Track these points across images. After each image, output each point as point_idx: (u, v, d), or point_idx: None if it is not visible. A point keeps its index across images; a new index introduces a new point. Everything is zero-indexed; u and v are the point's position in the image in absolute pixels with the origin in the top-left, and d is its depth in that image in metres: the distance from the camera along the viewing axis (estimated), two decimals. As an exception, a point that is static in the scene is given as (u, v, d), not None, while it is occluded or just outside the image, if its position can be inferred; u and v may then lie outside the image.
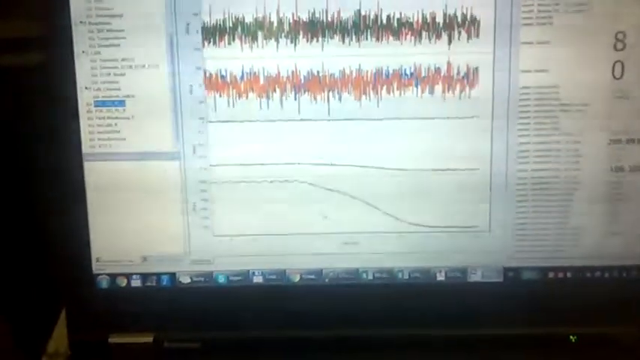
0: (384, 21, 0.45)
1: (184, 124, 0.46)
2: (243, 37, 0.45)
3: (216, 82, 0.46)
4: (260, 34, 0.45)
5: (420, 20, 0.45)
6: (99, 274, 0.48)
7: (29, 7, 0.50)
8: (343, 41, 0.45)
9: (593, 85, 0.45)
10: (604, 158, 0.46)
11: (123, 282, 0.48)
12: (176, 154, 0.46)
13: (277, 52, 0.45)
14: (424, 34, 0.45)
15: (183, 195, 0.47)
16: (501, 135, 0.46)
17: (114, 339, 0.47)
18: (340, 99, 0.46)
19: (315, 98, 0.46)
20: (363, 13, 0.45)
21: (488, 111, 0.46)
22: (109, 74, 0.45)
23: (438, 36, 0.45)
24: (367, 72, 0.45)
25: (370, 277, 0.48)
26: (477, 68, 0.45)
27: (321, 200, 0.47)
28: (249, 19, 0.45)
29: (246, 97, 0.46)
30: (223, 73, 0.45)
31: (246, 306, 0.48)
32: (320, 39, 0.45)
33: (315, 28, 0.45)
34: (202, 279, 0.48)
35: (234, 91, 0.46)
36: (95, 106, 0.46)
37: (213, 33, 0.45)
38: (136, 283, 0.48)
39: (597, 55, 0.45)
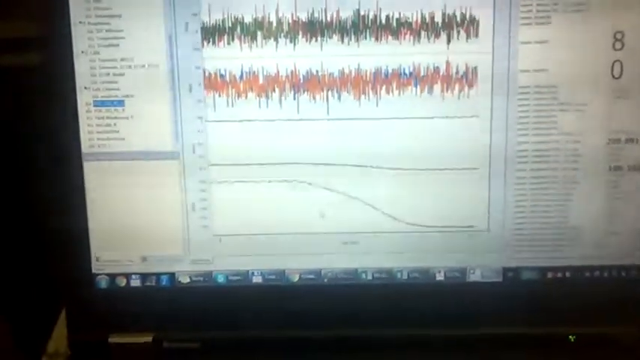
0: (383, 21, 0.45)
1: (184, 123, 0.46)
2: (242, 36, 0.45)
3: (215, 82, 0.46)
4: (259, 33, 0.45)
5: (419, 20, 0.45)
6: (98, 274, 0.48)
7: (29, 7, 0.50)
8: (342, 41, 0.45)
9: (592, 85, 0.45)
10: (603, 158, 0.46)
11: (122, 282, 0.48)
12: (175, 154, 0.46)
13: (276, 51, 0.45)
14: (423, 33, 0.45)
15: (182, 195, 0.47)
16: (500, 135, 0.46)
17: (113, 339, 0.47)
18: (339, 99, 0.46)
19: (314, 98, 0.46)
20: (362, 12, 0.45)
21: (487, 111, 0.46)
22: (108, 74, 0.45)
23: (437, 36, 0.45)
24: (366, 72, 0.45)
25: (369, 277, 0.48)
26: (475, 68, 0.45)
27: (320, 200, 0.47)
28: (248, 19, 0.45)
29: (246, 96, 0.46)
30: (222, 72, 0.45)
31: (246, 306, 0.48)
32: (319, 39, 0.45)
33: (315, 28, 0.45)
34: (202, 279, 0.48)
35: (234, 90, 0.46)
36: (94, 105, 0.46)
37: (212, 33, 0.45)
38: (136, 283, 0.48)
39: (596, 55, 0.45)
